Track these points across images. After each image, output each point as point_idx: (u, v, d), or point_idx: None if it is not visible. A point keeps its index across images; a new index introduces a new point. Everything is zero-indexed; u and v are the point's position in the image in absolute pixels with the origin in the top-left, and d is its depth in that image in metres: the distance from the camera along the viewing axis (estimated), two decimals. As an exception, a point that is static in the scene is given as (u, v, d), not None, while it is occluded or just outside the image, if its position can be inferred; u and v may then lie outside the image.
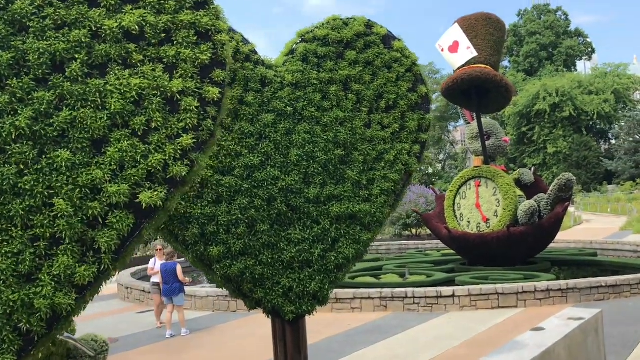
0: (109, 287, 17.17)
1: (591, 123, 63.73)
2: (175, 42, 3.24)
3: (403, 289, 10.50)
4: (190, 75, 3.20)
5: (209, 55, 3.28)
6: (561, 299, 10.40)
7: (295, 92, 4.99)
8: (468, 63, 14.88)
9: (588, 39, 76.02)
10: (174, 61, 3.19)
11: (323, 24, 5.29)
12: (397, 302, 10.40)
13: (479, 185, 15.70)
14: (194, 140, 3.12)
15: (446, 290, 10.33)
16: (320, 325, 9.52)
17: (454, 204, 16.17)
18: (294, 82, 5.00)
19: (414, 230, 31.43)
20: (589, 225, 32.91)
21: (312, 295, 4.98)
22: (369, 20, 5.41)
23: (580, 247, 20.22)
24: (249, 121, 4.78)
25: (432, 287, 10.56)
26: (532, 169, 17.55)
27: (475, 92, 15.20)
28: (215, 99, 3.23)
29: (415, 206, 29.22)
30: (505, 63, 78.05)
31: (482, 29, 15.39)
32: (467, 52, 15.01)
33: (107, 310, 13.14)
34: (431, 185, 21.66)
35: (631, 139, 60.91)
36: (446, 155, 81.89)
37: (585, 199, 49.94)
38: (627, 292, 10.75)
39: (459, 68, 15.04)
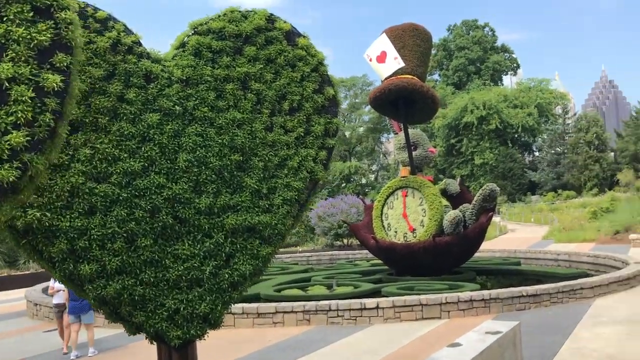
0: (17, 304, 15.99)
1: (516, 136, 66.23)
2: (5, 19, 2.67)
3: (327, 302, 10.16)
4: (23, 59, 2.64)
5: (49, 35, 2.74)
6: (484, 309, 10.35)
7: (185, 89, 4.47)
8: (395, 73, 14.86)
9: (513, 55, 79.27)
10: (3, 41, 2.62)
11: (219, 16, 4.78)
12: (320, 316, 10.05)
13: (405, 195, 15.67)
14: (27, 138, 2.59)
15: (370, 302, 10.07)
16: (237, 342, 9.03)
17: (381, 214, 16.06)
18: (184, 78, 4.48)
19: (345, 240, 31.34)
20: (514, 235, 33.89)
21: (203, 318, 4.47)
22: (271, 14, 4.95)
23: (505, 256, 20.62)
24: (129, 121, 4.22)
25: (357, 299, 10.28)
26: (458, 179, 17.73)
27: (402, 103, 15.19)
28: (57, 89, 2.70)
29: (347, 216, 29.15)
30: (435, 76, 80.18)
31: (410, 39, 15.41)
32: (395, 62, 15.00)
33: (14, 329, 12.15)
34: (361, 196, 21.53)
35: (553, 152, 63.78)
36: (379, 166, 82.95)
37: (510, 208, 51.64)
38: (546, 301, 10.84)
39: (386, 78, 15.00)
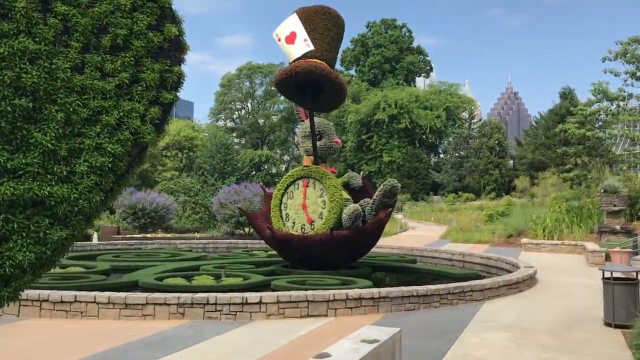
0: None
1: (424, 136, 67.95)
2: None
3: (204, 295, 9.25)
4: None
5: None
6: (372, 308, 9.88)
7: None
8: (304, 57, 14.15)
9: (428, 58, 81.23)
10: None
11: None
12: (197, 309, 9.13)
13: (306, 186, 15.03)
14: None
15: (252, 296, 9.28)
16: (96, 336, 7.95)
17: (280, 204, 15.34)
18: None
19: (246, 229, 30.40)
20: (414, 232, 34.40)
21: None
22: None
23: (403, 253, 20.60)
24: None
25: (238, 293, 9.45)
26: (362, 173, 17.34)
27: (309, 88, 14.50)
28: None
29: (250, 205, 28.22)
30: (352, 72, 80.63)
31: (321, 22, 14.72)
32: (304, 44, 14.29)
33: None
34: (261, 183, 20.67)
35: (457, 154, 66.01)
36: (291, 157, 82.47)
37: (412, 207, 52.78)
38: (436, 302, 10.55)
39: (294, 61, 14.24)
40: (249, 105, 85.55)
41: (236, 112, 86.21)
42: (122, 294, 9.19)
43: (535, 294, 12.53)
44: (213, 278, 13.34)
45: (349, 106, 67.86)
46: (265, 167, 73.07)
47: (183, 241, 24.89)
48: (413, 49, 79.15)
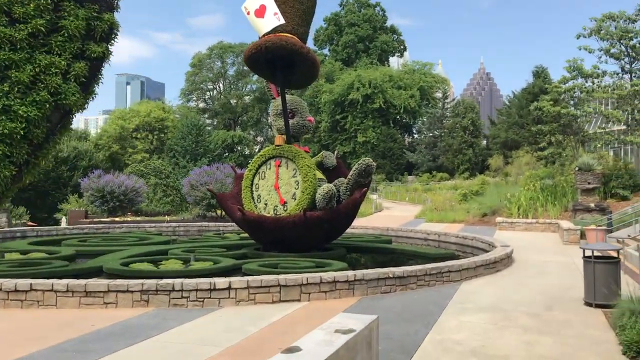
0: None
1: (398, 117, 67.64)
2: None
3: (170, 281, 8.74)
4: None
5: None
6: (348, 292, 9.50)
7: None
8: (274, 31, 13.55)
9: (401, 37, 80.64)
10: None
11: None
12: (162, 296, 8.63)
13: (279, 165, 14.53)
14: None
15: (221, 281, 8.80)
16: (53, 327, 7.41)
17: (251, 184, 14.83)
18: None
19: (218, 212, 29.79)
20: (389, 213, 34.20)
21: None
22: None
23: (378, 233, 20.32)
24: None
25: (205, 279, 8.96)
26: (336, 152, 16.90)
27: (280, 64, 13.93)
28: None
29: (222, 186, 27.58)
30: (325, 51, 79.71)
31: (292, -5, 14.10)
32: (274, 18, 13.68)
33: None
34: (232, 164, 20.02)
35: (431, 134, 65.93)
36: (264, 138, 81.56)
37: (387, 187, 52.64)
38: (413, 284, 10.24)
39: (264, 35, 13.63)
40: (220, 85, 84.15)
41: (208, 93, 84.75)
42: (82, 281, 8.63)
43: (513, 274, 12.33)
44: (182, 263, 12.84)
45: (323, 86, 67.09)
46: (239, 148, 72.10)
47: (153, 224, 24.21)
48: (387, 28, 78.37)
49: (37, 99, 2.52)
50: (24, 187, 50.07)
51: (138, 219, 28.63)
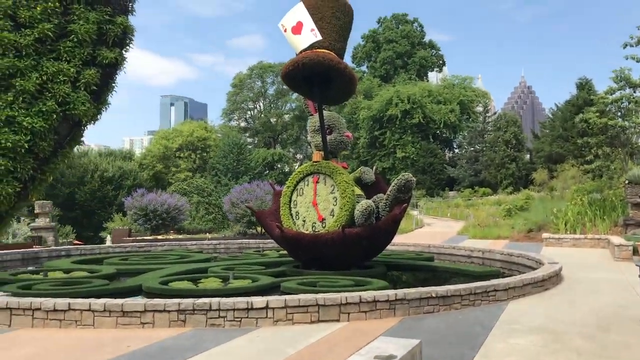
0: None
1: (438, 131, 66.89)
2: None
3: (207, 300, 8.61)
4: None
5: None
6: (389, 312, 9.17)
7: None
8: (311, 47, 13.47)
9: (440, 52, 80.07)
10: None
11: None
12: (199, 316, 8.50)
13: (317, 182, 14.35)
14: None
15: (258, 301, 8.62)
16: (89, 349, 7.34)
17: (290, 201, 14.68)
18: None
19: (259, 229, 29.81)
20: (430, 229, 33.58)
21: None
22: None
23: (419, 250, 19.86)
24: None
25: (242, 297, 8.79)
26: (374, 168, 16.64)
27: (317, 80, 13.83)
28: None
29: (261, 203, 27.62)
30: (363, 68, 79.76)
31: (328, 11, 14.00)
32: (311, 34, 13.61)
33: None
34: (271, 180, 20.03)
35: (472, 149, 64.87)
36: (304, 155, 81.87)
37: (428, 203, 51.88)
38: (457, 303, 9.82)
39: (301, 52, 13.57)
40: (260, 104, 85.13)
41: (248, 112, 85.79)
42: (119, 301, 8.58)
43: (562, 292, 11.75)
44: (221, 280, 12.73)
45: (361, 102, 67.03)
46: (279, 166, 72.58)
47: (194, 242, 24.34)
48: (425, 44, 78.02)
49: (44, 109, 2.43)
50: (71, 207, 51.31)
51: (180, 236, 28.90)
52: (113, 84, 2.84)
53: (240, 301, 8.60)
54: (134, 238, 28.03)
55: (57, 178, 52.13)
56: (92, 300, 8.66)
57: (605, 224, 22.76)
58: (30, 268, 16.22)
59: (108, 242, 32.65)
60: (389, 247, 19.05)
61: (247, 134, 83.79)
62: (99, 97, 2.57)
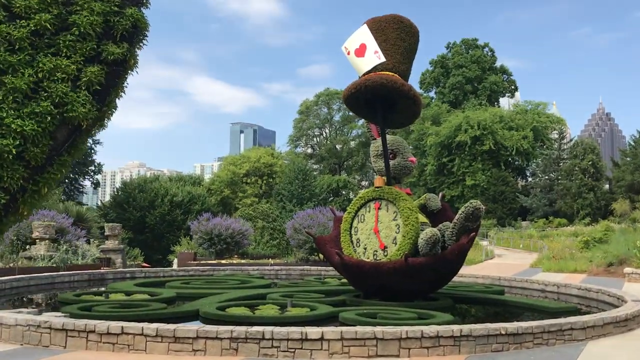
0: None
1: (510, 159, 64.72)
2: None
3: (260, 328, 8.27)
4: None
5: None
6: (453, 348, 8.50)
7: None
8: (375, 69, 13.16)
9: (512, 77, 78.01)
10: None
11: None
12: (251, 345, 8.16)
13: (378, 208, 13.86)
14: None
15: (313, 332, 8.19)
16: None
17: (350, 227, 14.23)
18: None
19: (321, 255, 29.40)
20: (501, 260, 32.10)
21: None
22: None
23: (488, 283, 18.84)
24: None
25: (296, 327, 8.38)
26: (441, 194, 15.97)
27: (380, 103, 13.46)
28: None
29: (323, 230, 27.28)
30: (431, 94, 78.80)
31: (393, 33, 13.64)
32: (374, 56, 13.35)
33: None
34: (332, 206, 19.67)
35: (546, 177, 62.22)
36: (369, 182, 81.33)
37: (499, 233, 49.90)
38: (529, 341, 9.01)
39: (365, 74, 13.27)
40: (326, 131, 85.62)
41: (314, 138, 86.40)
42: (172, 326, 8.38)
43: (650, 334, 10.61)
44: (278, 308, 12.38)
45: (429, 128, 65.98)
46: (343, 192, 72.33)
47: (256, 267, 24.25)
48: (496, 69, 76.28)
49: (37, 110, 2.23)
50: (142, 230, 52.86)
51: (243, 261, 28.92)
52: (122, 84, 2.62)
53: (295, 331, 8.20)
54: (198, 262, 28.30)
55: (128, 201, 54.09)
56: (145, 325, 8.51)
57: (696, 259, 20.88)
58: (95, 289, 16.51)
59: (175, 265, 33.19)
60: (456, 278, 18.16)
61: (313, 160, 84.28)
62: (104, 99, 2.36)
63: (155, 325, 8.47)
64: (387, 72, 13.12)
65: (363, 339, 8.22)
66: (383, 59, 13.14)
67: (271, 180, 67.07)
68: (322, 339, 8.16)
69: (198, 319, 11.48)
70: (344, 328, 8.41)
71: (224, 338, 8.18)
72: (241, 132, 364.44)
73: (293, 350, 8.11)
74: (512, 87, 77.90)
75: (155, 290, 15.27)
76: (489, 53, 76.69)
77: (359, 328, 8.41)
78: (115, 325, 8.47)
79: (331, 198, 68.00)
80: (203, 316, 11.41)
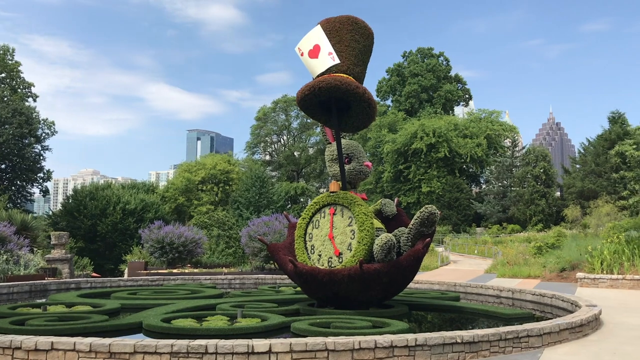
0: None
1: (464, 166, 65.66)
2: None
3: (203, 342, 7.70)
4: None
5: None
6: (407, 359, 8.13)
7: None
8: (329, 71, 12.83)
9: (466, 86, 79.37)
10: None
11: None
12: (193, 360, 7.58)
13: (333, 214, 13.47)
14: None
15: (260, 344, 7.68)
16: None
17: (305, 234, 13.80)
18: None
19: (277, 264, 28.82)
20: (456, 267, 32.22)
21: None
22: None
23: (444, 289, 18.70)
24: None
25: (244, 340, 7.85)
26: (396, 199, 15.70)
27: (335, 106, 13.10)
28: None
29: (280, 237, 26.74)
30: (388, 102, 79.36)
31: (347, 34, 13.34)
32: (329, 58, 13.03)
33: None
34: (285, 212, 19.20)
35: (500, 184, 63.31)
36: (327, 189, 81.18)
37: (454, 239, 50.33)
38: (485, 350, 8.73)
39: (318, 76, 12.91)
40: (284, 137, 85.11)
41: (272, 145, 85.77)
42: (107, 341, 7.73)
43: (604, 339, 10.52)
44: (227, 319, 11.80)
45: (385, 136, 66.32)
46: (302, 199, 71.84)
47: (209, 277, 23.50)
48: (451, 78, 77.46)
49: None
50: (93, 239, 51.15)
51: (196, 270, 28.07)
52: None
53: (240, 344, 7.67)
54: (148, 271, 27.32)
55: (79, 209, 52.25)
56: (78, 340, 7.82)
57: (645, 263, 21.28)
58: (34, 301, 15.53)
59: (126, 275, 32.02)
60: (412, 285, 17.92)
61: (271, 167, 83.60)
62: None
63: (89, 339, 7.80)
64: (342, 74, 12.80)
65: (313, 350, 7.76)
66: (337, 61, 12.84)
67: (228, 187, 66.05)
68: (269, 351, 7.66)
69: (141, 331, 10.82)
70: (293, 340, 7.93)
71: (164, 353, 7.58)
72: (198, 139, 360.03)
73: (239, 365, 7.58)
74: (467, 95, 79.27)
75: (99, 301, 14.43)
76: (444, 62, 77.83)
77: (309, 339, 7.94)
78: (44, 341, 7.76)
79: (289, 205, 67.44)
80: (146, 329, 10.74)
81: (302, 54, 13.50)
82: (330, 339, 7.94)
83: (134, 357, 7.59)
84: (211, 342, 7.67)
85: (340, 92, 12.46)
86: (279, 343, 7.75)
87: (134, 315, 12.21)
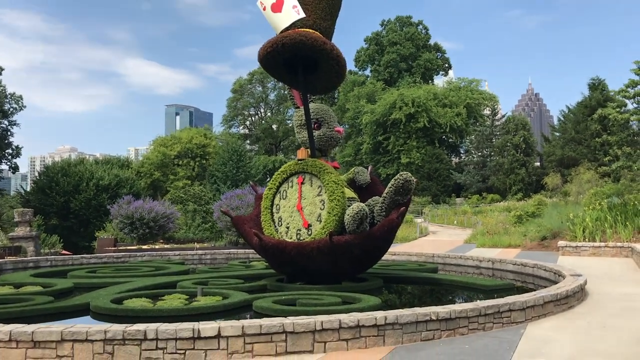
0: None
1: (444, 136, 64.93)
2: None
3: (142, 327, 6.73)
4: None
5: None
6: (376, 339, 7.27)
7: None
8: (293, 26, 11.69)
9: (446, 55, 78.23)
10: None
11: None
12: (130, 347, 6.63)
13: (302, 183, 12.49)
14: None
15: (208, 328, 6.73)
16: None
17: (272, 205, 12.82)
18: None
19: (251, 238, 27.87)
20: (435, 237, 31.61)
21: None
22: None
23: (422, 260, 17.94)
24: None
25: (189, 323, 6.89)
26: (369, 167, 14.76)
27: (301, 65, 12.00)
28: None
29: (252, 210, 25.77)
30: (367, 72, 78.00)
31: (313, -15, 12.20)
32: (293, 12, 11.85)
33: None
34: (252, 182, 18.03)
35: (479, 154, 62.81)
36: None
37: (433, 210, 49.81)
38: (463, 327, 7.90)
39: (282, 31, 11.76)
40: (262, 110, 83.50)
41: (249, 118, 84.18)
42: (29, 328, 6.71)
43: (591, 312, 9.78)
44: (186, 298, 10.84)
45: (364, 106, 65.13)
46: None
47: (178, 252, 22.47)
48: (430, 47, 76.18)
49: None
50: (66, 216, 49.67)
51: (166, 246, 27.06)
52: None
53: (185, 328, 6.70)
54: (117, 248, 26.21)
55: (51, 186, 50.64)
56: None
57: (627, 230, 20.71)
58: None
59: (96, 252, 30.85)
60: (389, 256, 17.10)
61: (249, 141, 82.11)
62: None
63: (9, 327, 6.77)
64: (307, 29, 11.70)
65: (269, 333, 6.84)
66: (302, 15, 11.71)
67: (204, 161, 64.65)
68: (219, 336, 6.72)
69: (89, 314, 9.83)
70: (246, 322, 6.99)
71: (96, 340, 6.60)
72: (177, 114, 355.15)
73: (183, 351, 6.64)
74: (446, 65, 78.14)
75: (51, 281, 13.37)
76: (423, 31, 76.45)
77: (264, 321, 7.01)
78: (-42, 330, 6.72)
79: (267, 179, 66.30)
80: (93, 310, 9.75)
81: (264, 8, 12.30)
82: (288, 320, 7.01)
83: (62, 346, 6.60)
84: (151, 327, 6.69)
85: (306, 48, 11.37)
86: (230, 326, 6.80)
87: (83, 295, 11.17)
